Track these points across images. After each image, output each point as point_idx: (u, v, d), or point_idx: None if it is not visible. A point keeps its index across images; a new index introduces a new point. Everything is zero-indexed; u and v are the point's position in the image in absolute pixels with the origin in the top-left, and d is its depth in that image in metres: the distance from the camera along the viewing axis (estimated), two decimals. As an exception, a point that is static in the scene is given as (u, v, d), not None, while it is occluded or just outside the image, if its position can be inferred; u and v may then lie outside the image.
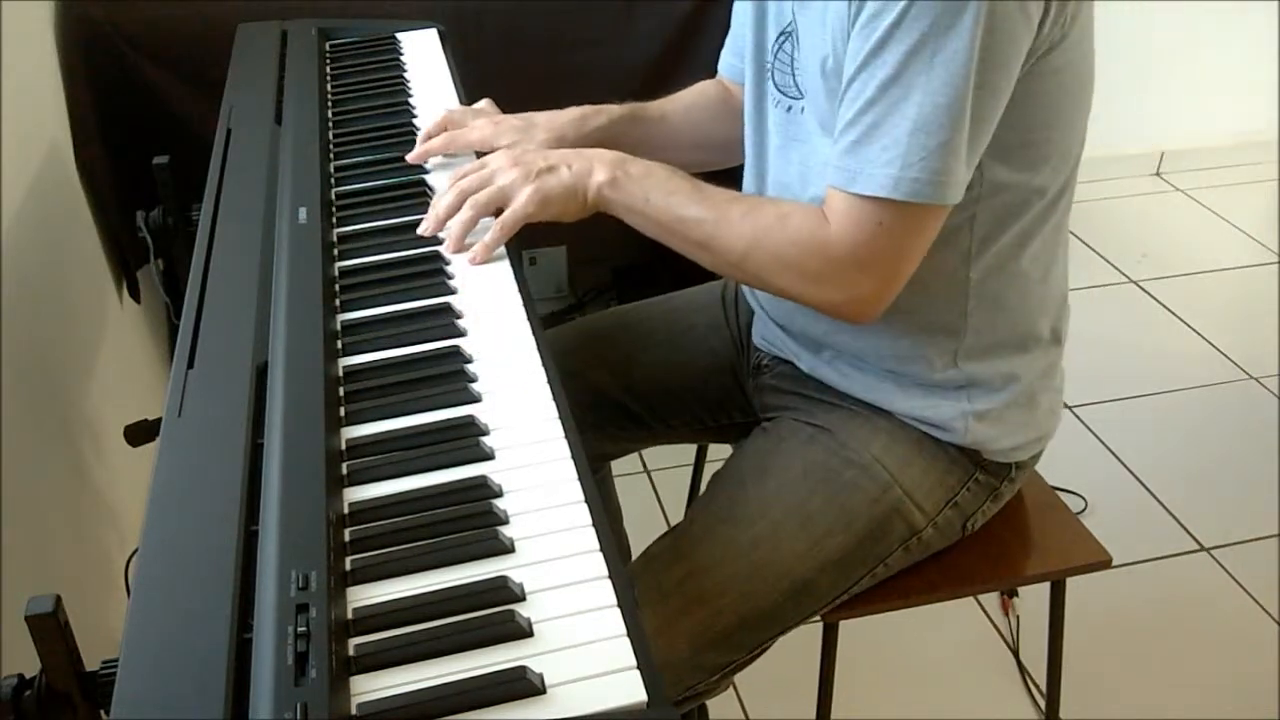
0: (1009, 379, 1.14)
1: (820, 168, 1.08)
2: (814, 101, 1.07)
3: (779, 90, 1.14)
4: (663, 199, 1.06)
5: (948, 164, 0.94)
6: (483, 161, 1.12)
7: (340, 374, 0.93)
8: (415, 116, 1.36)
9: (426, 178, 1.22)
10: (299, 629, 0.65)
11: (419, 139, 1.26)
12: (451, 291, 1.03)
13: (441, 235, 1.10)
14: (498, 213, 1.09)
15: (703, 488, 1.23)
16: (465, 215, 1.08)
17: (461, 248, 1.08)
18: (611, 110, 1.29)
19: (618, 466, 1.55)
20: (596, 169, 1.08)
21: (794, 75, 1.11)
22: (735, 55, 1.31)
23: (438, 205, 1.10)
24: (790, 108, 1.12)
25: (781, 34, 1.12)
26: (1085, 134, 1.09)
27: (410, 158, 1.24)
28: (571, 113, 1.27)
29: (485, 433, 0.86)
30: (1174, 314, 2.68)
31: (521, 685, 0.66)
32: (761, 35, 1.15)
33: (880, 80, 0.94)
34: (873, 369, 1.15)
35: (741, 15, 1.24)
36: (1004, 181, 1.04)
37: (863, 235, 0.98)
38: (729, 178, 2.07)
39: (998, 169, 1.03)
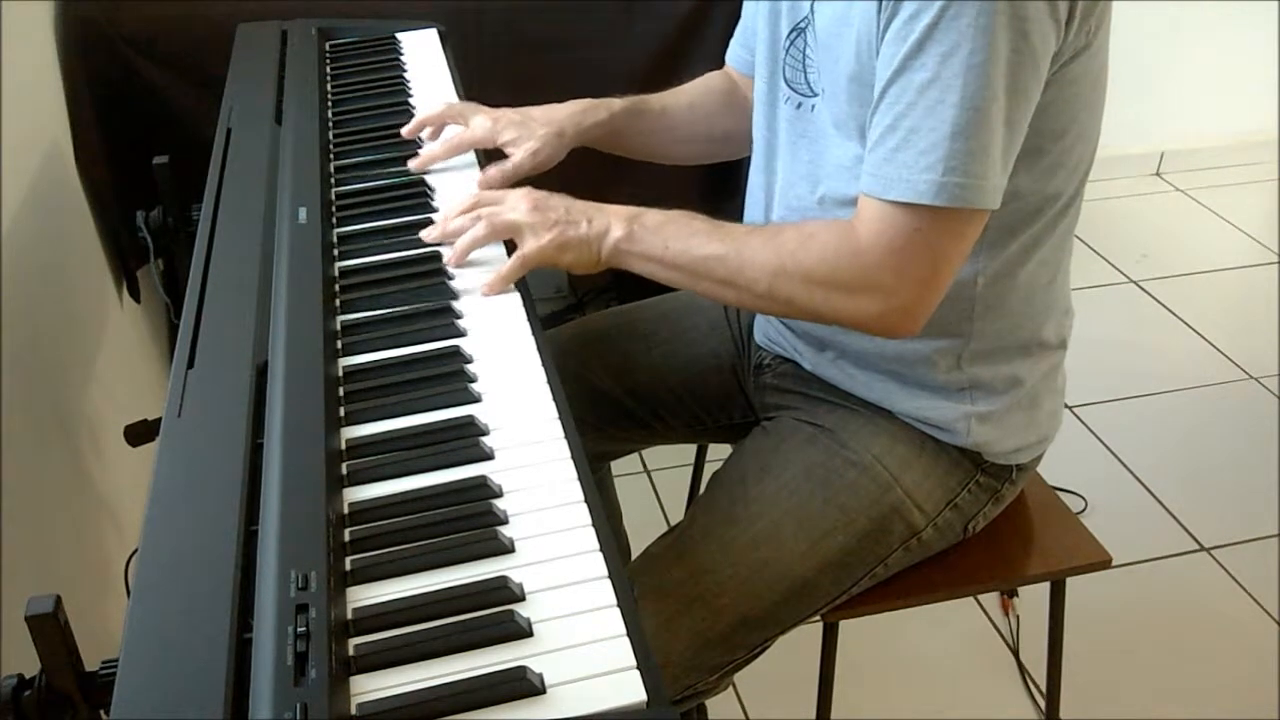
0: (1012, 382, 1.13)
1: (832, 168, 1.08)
2: (831, 101, 1.06)
3: (789, 86, 1.13)
4: (681, 244, 1.04)
5: (987, 168, 0.93)
6: (504, 194, 1.11)
7: (340, 374, 0.93)
8: (415, 117, 1.36)
9: (426, 178, 1.22)
10: (299, 629, 0.65)
11: (414, 123, 1.29)
12: (451, 292, 1.03)
13: (442, 247, 1.10)
14: (507, 247, 1.08)
15: (703, 488, 1.23)
16: (479, 233, 1.07)
17: (463, 263, 1.07)
18: (611, 104, 1.29)
19: (618, 466, 1.55)
20: (614, 226, 1.06)
21: (805, 72, 1.10)
22: (745, 48, 1.30)
23: (448, 222, 1.10)
24: (800, 104, 1.12)
25: (794, 30, 1.11)
26: (1098, 142, 1.08)
27: (413, 166, 1.24)
28: (570, 106, 1.27)
29: (485, 433, 0.86)
30: (1174, 314, 2.68)
31: (521, 685, 0.66)
32: (775, 31, 1.14)
33: (918, 84, 0.92)
34: (876, 369, 1.15)
35: (753, 7, 1.24)
36: (1017, 189, 1.03)
37: (898, 242, 0.96)
38: (735, 171, 2.07)
39: (1012, 177, 1.01)
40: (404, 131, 1.29)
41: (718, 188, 2.11)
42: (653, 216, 1.07)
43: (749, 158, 1.25)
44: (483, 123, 1.25)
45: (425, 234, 1.11)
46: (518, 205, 1.08)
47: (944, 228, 0.95)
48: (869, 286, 0.98)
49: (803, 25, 1.10)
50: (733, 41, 1.34)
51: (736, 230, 1.06)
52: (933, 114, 0.92)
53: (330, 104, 1.38)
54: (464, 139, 1.26)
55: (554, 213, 1.07)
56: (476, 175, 1.23)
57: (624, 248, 1.06)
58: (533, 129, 1.24)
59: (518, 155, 1.23)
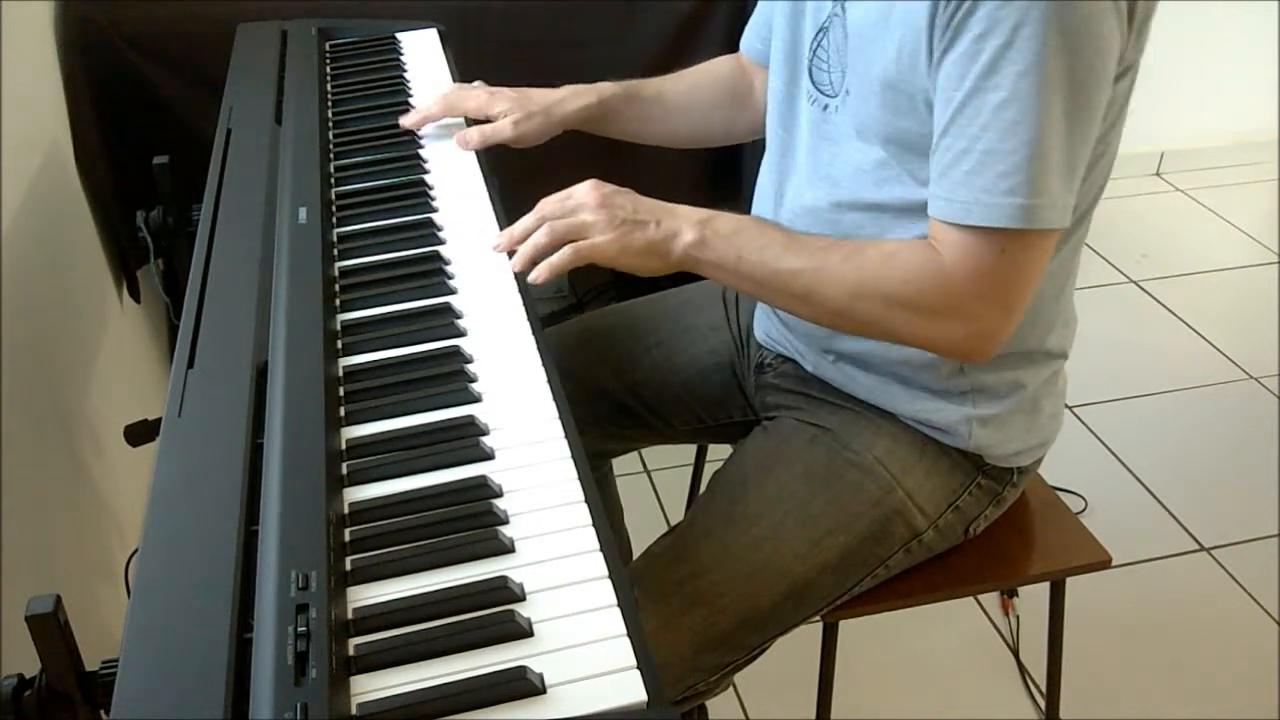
0: (1014, 386, 1.13)
1: (850, 170, 1.07)
2: (858, 103, 1.04)
3: (816, 88, 1.10)
4: (756, 254, 1.02)
5: (1063, 185, 0.92)
6: (569, 193, 1.07)
7: (340, 374, 0.93)
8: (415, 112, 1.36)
9: (426, 178, 1.22)
10: (299, 629, 0.65)
11: (415, 114, 1.31)
12: (451, 291, 1.03)
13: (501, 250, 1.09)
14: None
15: (703, 488, 1.23)
16: (541, 240, 1.04)
17: (529, 268, 1.05)
18: (604, 88, 1.30)
19: (618, 466, 1.55)
20: (684, 229, 1.03)
21: (829, 73, 1.08)
22: (759, 39, 1.29)
23: (515, 225, 1.08)
24: (826, 106, 1.09)
25: (820, 30, 1.09)
26: (1117, 153, 1.07)
27: (407, 123, 1.29)
28: (563, 90, 1.30)
29: (485, 433, 0.86)
30: (1174, 314, 2.68)
31: (521, 685, 0.66)
32: (798, 31, 1.12)
33: (993, 105, 0.90)
34: (878, 372, 1.15)
35: (770, 5, 1.23)
36: None
37: (983, 265, 0.94)
38: (736, 170, 2.06)
39: None
40: (406, 124, 1.31)
41: (718, 186, 2.11)
42: (725, 222, 1.04)
43: (756, 157, 1.25)
44: (479, 94, 1.30)
45: (493, 244, 1.09)
46: (584, 202, 1.05)
47: (1027, 249, 0.94)
48: (954, 311, 0.97)
49: (827, 25, 1.08)
50: (747, 30, 1.33)
51: (811, 243, 1.03)
52: (1010, 135, 0.90)
53: (330, 104, 1.38)
54: (459, 103, 1.30)
55: (621, 211, 1.04)
56: (478, 178, 1.24)
57: (694, 254, 1.03)
58: (524, 104, 1.27)
59: (499, 121, 1.27)
